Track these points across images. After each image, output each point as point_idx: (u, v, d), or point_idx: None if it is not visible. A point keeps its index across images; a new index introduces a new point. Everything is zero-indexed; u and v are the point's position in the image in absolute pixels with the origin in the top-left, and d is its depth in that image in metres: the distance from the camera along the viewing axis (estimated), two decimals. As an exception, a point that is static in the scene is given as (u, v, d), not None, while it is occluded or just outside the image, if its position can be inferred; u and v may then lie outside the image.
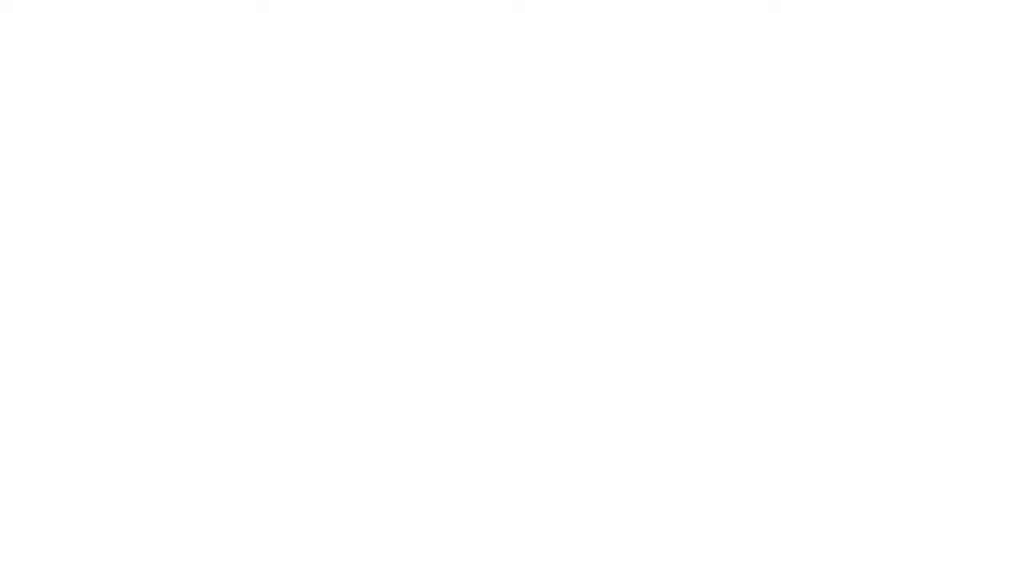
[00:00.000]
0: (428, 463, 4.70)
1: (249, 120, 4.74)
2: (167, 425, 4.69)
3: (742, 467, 4.67)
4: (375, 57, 4.75)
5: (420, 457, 4.69)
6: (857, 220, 4.69)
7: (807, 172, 4.71)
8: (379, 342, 4.71)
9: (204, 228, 4.73)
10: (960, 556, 4.59)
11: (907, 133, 4.70)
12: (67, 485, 4.68)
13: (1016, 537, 4.57)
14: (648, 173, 4.73)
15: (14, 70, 4.74)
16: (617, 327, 4.70)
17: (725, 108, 4.73)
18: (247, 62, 4.75)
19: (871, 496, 4.64)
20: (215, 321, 4.71)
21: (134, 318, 4.71)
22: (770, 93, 4.72)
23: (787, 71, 4.72)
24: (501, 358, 4.70)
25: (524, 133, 4.75)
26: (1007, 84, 4.67)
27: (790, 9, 4.71)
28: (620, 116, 4.74)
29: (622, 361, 4.69)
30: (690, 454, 4.68)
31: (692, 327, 4.69)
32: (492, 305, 4.71)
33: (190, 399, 4.70)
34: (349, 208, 4.74)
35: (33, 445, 4.68)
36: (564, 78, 4.75)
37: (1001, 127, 4.67)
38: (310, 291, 4.72)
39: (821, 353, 4.67)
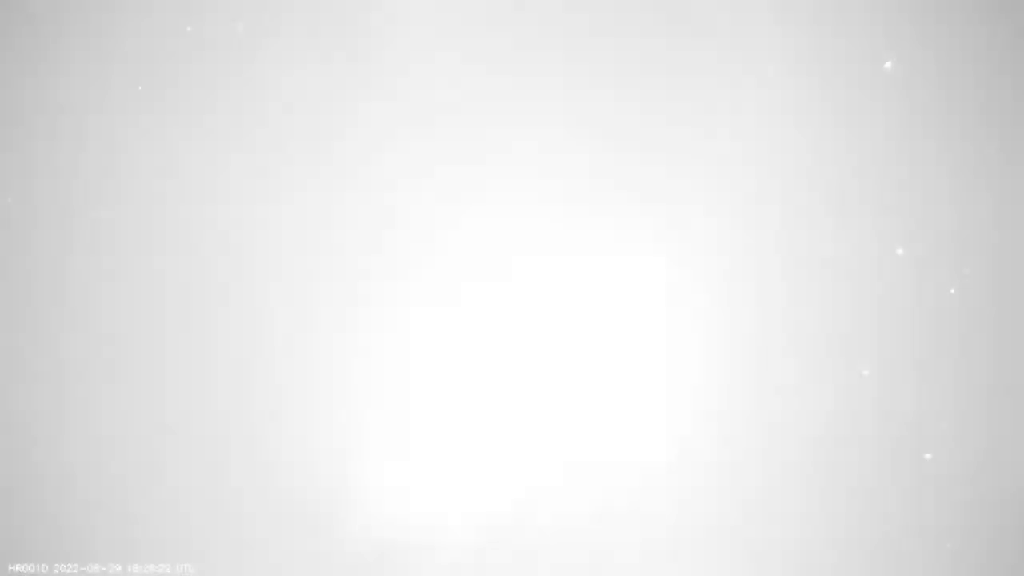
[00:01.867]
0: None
1: (248, 120, 4.77)
2: (167, 424, 4.73)
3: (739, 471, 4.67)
4: (374, 57, 4.77)
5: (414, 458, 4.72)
6: (854, 220, 4.68)
7: (807, 171, 4.70)
8: (375, 339, 4.73)
9: (203, 226, 4.75)
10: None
11: (906, 132, 4.69)
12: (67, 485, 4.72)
13: None
14: (647, 172, 4.73)
15: (14, 69, 4.78)
16: (612, 326, 4.70)
17: (725, 107, 4.72)
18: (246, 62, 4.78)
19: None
20: (213, 318, 4.73)
21: (133, 315, 4.74)
22: (770, 93, 4.72)
23: (787, 71, 4.72)
24: (494, 356, 4.72)
25: (524, 132, 4.75)
26: (1006, 82, 4.65)
27: (794, 9, 4.71)
28: (619, 116, 4.74)
29: (616, 361, 4.70)
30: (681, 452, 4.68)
31: (686, 326, 4.70)
32: (489, 303, 4.72)
33: (189, 398, 4.73)
34: (348, 207, 4.75)
35: (34, 445, 4.72)
36: (564, 78, 4.75)
37: (1000, 125, 4.65)
38: (310, 288, 4.74)
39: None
